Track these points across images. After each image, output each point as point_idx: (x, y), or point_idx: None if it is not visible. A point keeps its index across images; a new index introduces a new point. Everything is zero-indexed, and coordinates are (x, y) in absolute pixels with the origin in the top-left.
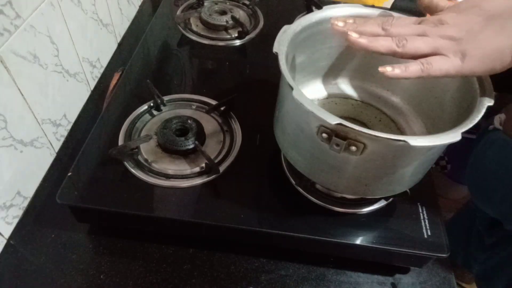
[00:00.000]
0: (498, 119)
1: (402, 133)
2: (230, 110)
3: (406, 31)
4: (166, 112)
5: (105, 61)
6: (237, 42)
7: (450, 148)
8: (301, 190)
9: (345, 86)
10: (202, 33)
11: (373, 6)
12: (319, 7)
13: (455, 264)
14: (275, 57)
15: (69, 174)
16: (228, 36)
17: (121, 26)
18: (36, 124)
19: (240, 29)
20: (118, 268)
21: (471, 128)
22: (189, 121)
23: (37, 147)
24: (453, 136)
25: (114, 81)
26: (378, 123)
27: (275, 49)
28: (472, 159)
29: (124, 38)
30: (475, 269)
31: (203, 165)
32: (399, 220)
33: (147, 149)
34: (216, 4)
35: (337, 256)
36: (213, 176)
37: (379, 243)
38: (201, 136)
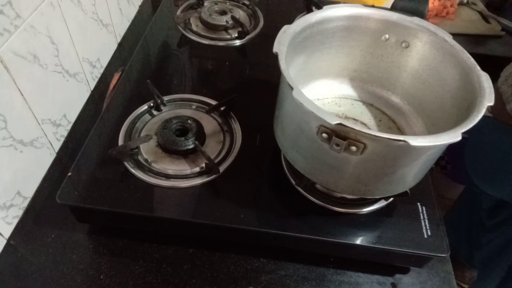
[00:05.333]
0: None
1: (402, 133)
2: (230, 110)
3: None
4: (166, 112)
5: (105, 61)
6: (237, 42)
7: (450, 148)
8: (301, 190)
9: (345, 86)
10: (202, 33)
11: (373, 6)
12: (319, 7)
13: (456, 260)
14: (275, 57)
15: (69, 174)
16: (228, 36)
17: (121, 26)
18: (36, 124)
19: (240, 29)
20: (118, 268)
21: (471, 128)
22: (189, 121)
23: (37, 147)
24: (453, 136)
25: (114, 81)
26: (378, 123)
27: (275, 49)
28: (470, 151)
29: (124, 38)
30: (476, 258)
31: (203, 165)
32: (399, 220)
33: (147, 149)
34: (216, 4)
35: (337, 256)
36: (213, 176)
37: (379, 243)
38: (201, 136)
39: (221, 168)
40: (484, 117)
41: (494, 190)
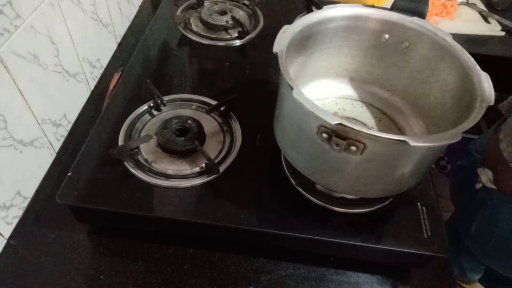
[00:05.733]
0: (485, 176)
1: (402, 133)
2: (230, 110)
3: None
4: (166, 112)
5: (105, 61)
6: (237, 42)
7: (450, 148)
8: (301, 190)
9: (345, 86)
10: (202, 33)
11: (373, 6)
12: (319, 7)
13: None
14: (275, 57)
15: (69, 174)
16: (228, 36)
17: (121, 26)
18: (36, 124)
19: (240, 29)
20: (118, 268)
21: (471, 128)
22: (189, 121)
23: (37, 147)
24: (453, 136)
25: (114, 81)
26: (378, 123)
27: (275, 49)
28: (476, 231)
29: (124, 38)
30: (474, 276)
31: (203, 165)
32: (399, 220)
33: (147, 149)
34: (216, 4)
35: (337, 256)
36: (213, 176)
37: (379, 243)
38: (201, 136)
39: (221, 168)
40: (483, 188)
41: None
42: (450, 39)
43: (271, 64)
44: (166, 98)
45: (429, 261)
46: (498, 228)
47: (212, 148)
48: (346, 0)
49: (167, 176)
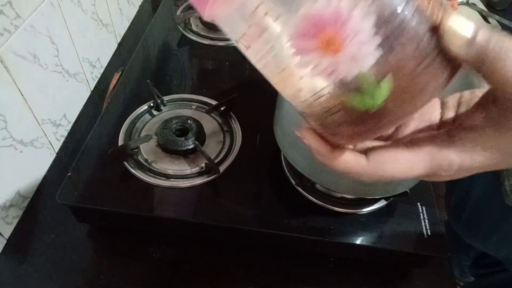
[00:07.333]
0: None
1: None
2: (230, 110)
3: None
4: (166, 112)
5: (105, 61)
6: None
7: None
8: (301, 190)
9: None
10: (202, 33)
11: None
12: None
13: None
14: None
15: (69, 174)
16: (228, 36)
17: (121, 26)
18: (36, 124)
19: None
20: (118, 268)
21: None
22: (189, 121)
23: (37, 147)
24: None
25: (114, 81)
26: None
27: None
28: (454, 203)
29: (124, 38)
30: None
31: (203, 165)
32: (399, 220)
33: (147, 149)
34: None
35: (337, 256)
36: (213, 176)
37: (379, 243)
38: (201, 136)
39: (221, 168)
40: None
41: (488, 249)
42: None
43: None
44: (166, 98)
45: (429, 261)
46: (471, 199)
47: (212, 148)
48: None
49: (167, 176)
